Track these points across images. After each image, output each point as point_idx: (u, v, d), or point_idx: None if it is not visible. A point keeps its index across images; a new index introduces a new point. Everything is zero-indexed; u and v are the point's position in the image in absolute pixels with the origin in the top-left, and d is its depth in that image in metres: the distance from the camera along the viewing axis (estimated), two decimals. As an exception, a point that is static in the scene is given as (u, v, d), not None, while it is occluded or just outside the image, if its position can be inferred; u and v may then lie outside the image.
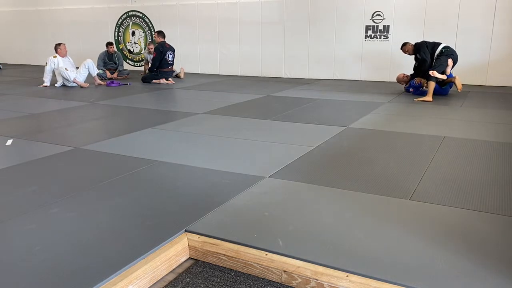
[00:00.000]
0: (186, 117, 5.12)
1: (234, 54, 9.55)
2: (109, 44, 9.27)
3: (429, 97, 6.07)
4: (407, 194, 2.70)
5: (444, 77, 6.26)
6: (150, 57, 8.98)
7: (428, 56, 6.42)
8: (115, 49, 9.58)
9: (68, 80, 7.95)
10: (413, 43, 6.69)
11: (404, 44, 6.80)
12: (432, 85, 6.12)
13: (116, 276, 1.82)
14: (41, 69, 11.33)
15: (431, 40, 6.61)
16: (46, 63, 7.96)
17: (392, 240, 2.11)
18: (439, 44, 6.42)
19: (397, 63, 7.90)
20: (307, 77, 8.91)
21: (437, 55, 6.36)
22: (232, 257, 2.04)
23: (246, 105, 5.93)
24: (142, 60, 10.58)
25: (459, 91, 6.32)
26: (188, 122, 4.87)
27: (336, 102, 6.07)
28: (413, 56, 6.75)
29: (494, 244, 2.08)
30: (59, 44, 8.11)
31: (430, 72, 6.15)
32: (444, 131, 4.28)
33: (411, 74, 6.93)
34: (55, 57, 7.94)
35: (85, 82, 8.09)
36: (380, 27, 8.10)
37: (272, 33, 9.04)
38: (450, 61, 6.26)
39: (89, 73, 8.17)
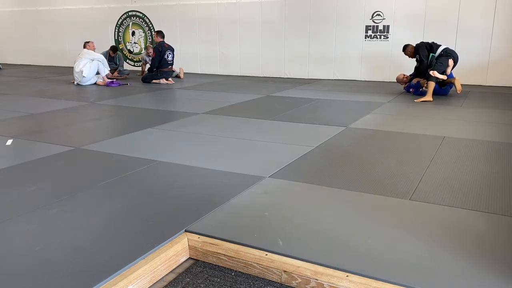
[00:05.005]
0: (186, 117, 5.12)
1: (234, 54, 9.55)
2: (113, 49, 9.21)
3: (429, 97, 6.06)
4: (407, 194, 2.70)
5: (444, 77, 6.25)
6: (148, 59, 8.95)
7: (426, 57, 6.44)
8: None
9: (99, 73, 8.19)
10: (414, 45, 6.68)
11: (405, 48, 6.79)
12: (432, 85, 6.12)
13: (116, 276, 1.82)
14: (40, 69, 11.39)
15: (430, 41, 6.60)
16: (91, 59, 8.06)
17: (392, 240, 2.11)
18: (439, 45, 6.42)
19: (397, 63, 7.90)
20: (307, 77, 8.91)
21: (437, 56, 6.36)
22: (232, 257, 2.04)
23: (246, 105, 5.93)
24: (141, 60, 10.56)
25: (458, 92, 6.30)
26: (188, 122, 4.87)
27: (336, 102, 6.07)
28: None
29: (494, 244, 2.08)
30: (88, 42, 8.35)
31: (431, 72, 6.15)
32: (444, 131, 4.28)
33: (410, 75, 6.93)
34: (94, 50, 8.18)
35: (90, 82, 8.25)
36: (380, 27, 8.10)
37: (272, 33, 9.04)
38: (450, 61, 6.26)
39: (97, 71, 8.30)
